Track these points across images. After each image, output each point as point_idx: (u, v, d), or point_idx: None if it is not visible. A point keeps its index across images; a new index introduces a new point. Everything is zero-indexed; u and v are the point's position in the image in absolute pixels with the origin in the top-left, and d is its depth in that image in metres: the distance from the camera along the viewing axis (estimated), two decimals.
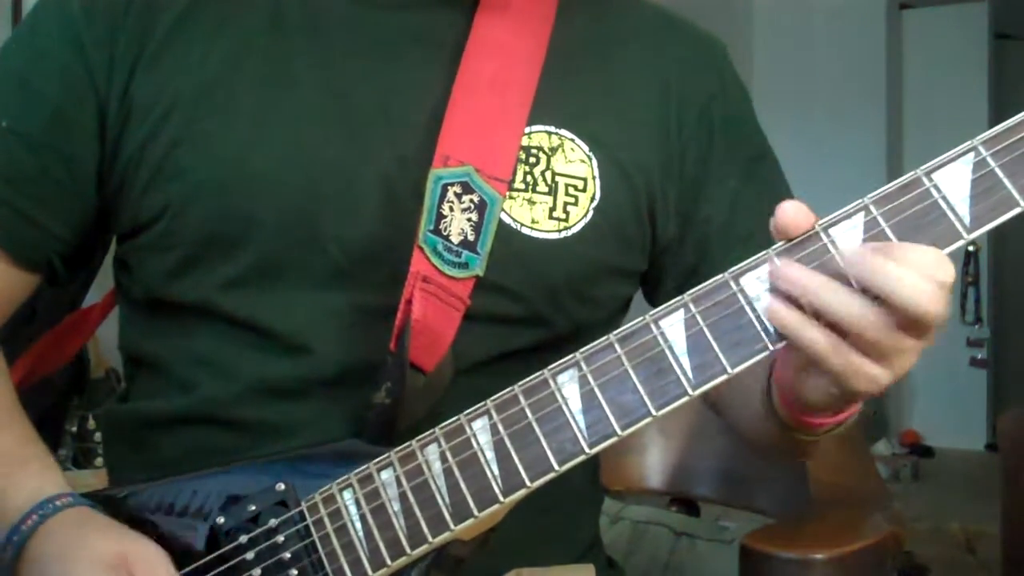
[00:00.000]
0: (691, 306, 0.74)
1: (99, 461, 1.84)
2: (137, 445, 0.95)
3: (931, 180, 0.71)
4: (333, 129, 0.90)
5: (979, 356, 5.18)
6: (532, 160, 0.91)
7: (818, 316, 0.70)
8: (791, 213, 0.72)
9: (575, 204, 0.91)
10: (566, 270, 0.91)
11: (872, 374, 0.71)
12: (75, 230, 0.94)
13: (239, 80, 0.90)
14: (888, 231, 0.71)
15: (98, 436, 1.91)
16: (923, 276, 0.68)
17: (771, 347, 0.72)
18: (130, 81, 0.91)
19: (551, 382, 0.76)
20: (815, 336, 0.70)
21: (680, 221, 0.97)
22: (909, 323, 0.69)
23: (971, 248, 4.49)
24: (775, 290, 0.72)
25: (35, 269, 0.95)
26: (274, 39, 0.92)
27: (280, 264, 0.89)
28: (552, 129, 0.92)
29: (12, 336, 0.99)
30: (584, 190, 0.92)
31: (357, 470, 0.80)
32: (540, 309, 0.91)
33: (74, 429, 2.01)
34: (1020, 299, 5.54)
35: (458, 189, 0.87)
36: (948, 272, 0.69)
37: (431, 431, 0.79)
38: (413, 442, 0.79)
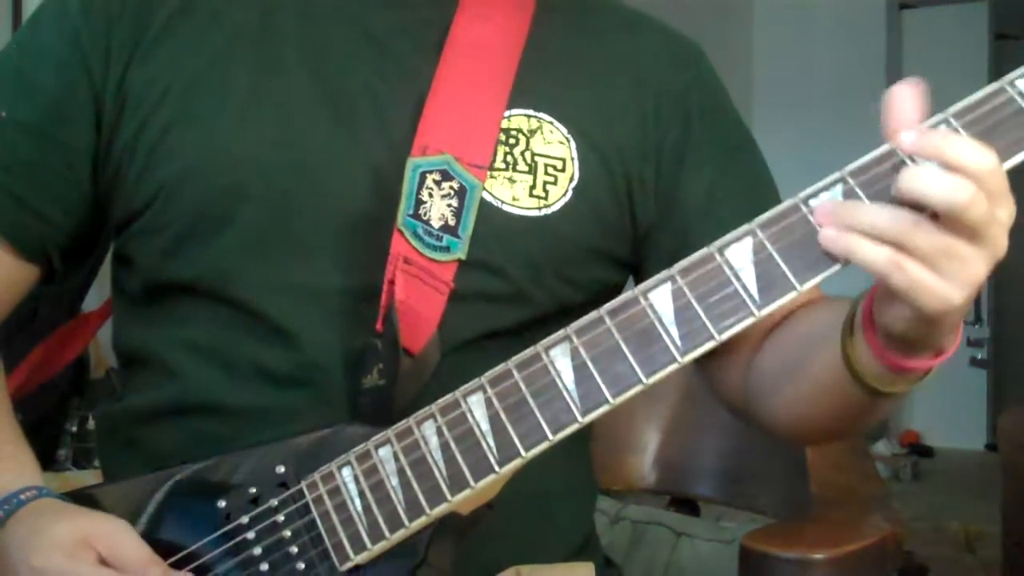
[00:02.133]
0: (678, 278, 0.76)
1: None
2: (131, 442, 0.96)
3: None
4: (321, 113, 0.92)
5: (979, 356, 5.17)
6: (512, 141, 0.93)
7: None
8: (900, 96, 0.74)
9: (554, 184, 0.93)
10: (546, 247, 0.93)
11: (936, 289, 0.70)
12: (73, 219, 0.96)
13: (231, 66, 0.93)
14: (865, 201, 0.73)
15: None
16: (950, 170, 0.68)
17: (756, 313, 0.74)
18: (125, 73, 0.93)
19: (543, 356, 0.78)
20: (868, 252, 0.71)
21: (659, 208, 0.98)
22: (952, 224, 0.69)
23: None
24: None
25: (33, 259, 0.96)
26: (266, 28, 0.95)
27: (268, 244, 0.90)
28: (531, 112, 0.94)
29: (13, 341, 1.00)
30: (563, 170, 0.94)
31: (355, 448, 0.81)
32: (523, 286, 0.93)
33: (74, 429, 2.01)
34: (1020, 299, 5.53)
35: (437, 176, 0.89)
36: (980, 161, 0.69)
37: (427, 408, 0.80)
38: (410, 419, 0.80)
